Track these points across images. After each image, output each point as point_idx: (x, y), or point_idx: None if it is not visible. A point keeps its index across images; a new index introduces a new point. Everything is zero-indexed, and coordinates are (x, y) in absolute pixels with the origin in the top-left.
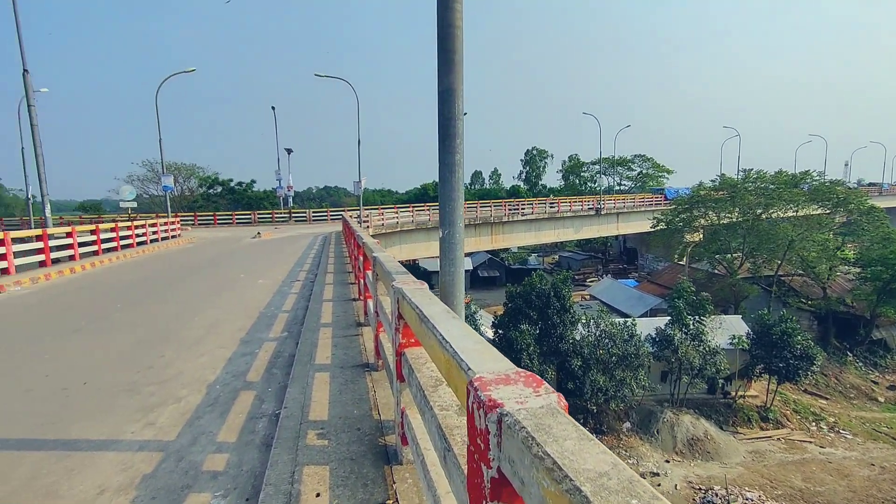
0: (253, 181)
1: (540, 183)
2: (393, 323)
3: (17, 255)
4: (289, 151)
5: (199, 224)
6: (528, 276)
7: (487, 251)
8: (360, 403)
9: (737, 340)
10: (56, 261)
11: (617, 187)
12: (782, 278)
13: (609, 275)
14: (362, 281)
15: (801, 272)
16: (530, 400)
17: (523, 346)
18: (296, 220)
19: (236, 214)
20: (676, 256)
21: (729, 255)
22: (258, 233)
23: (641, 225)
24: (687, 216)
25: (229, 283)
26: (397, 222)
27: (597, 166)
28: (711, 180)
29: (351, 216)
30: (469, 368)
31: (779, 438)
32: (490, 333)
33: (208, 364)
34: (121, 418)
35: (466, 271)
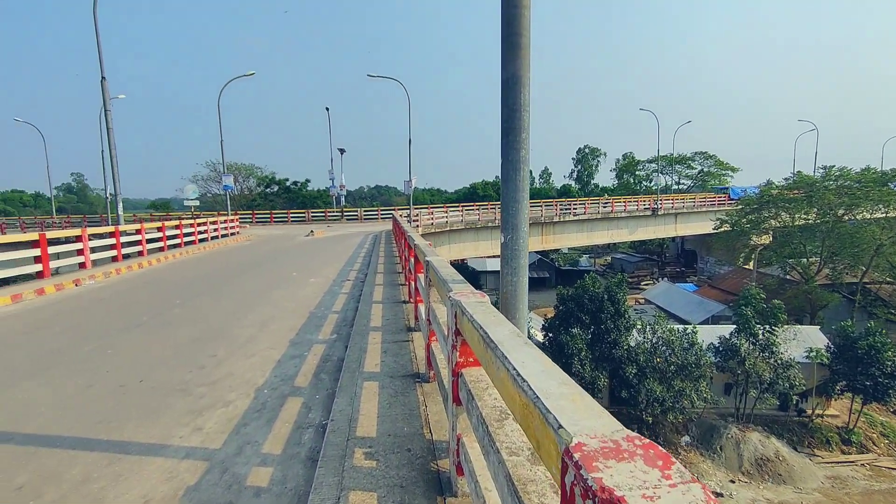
0: (307, 180)
1: (592, 182)
2: (449, 339)
3: (93, 250)
4: (341, 151)
5: (257, 222)
6: (580, 279)
7: (537, 252)
8: (411, 419)
9: (814, 354)
10: (126, 256)
11: (675, 186)
12: (868, 286)
13: (665, 278)
14: (413, 284)
15: (890, 280)
16: (663, 494)
17: (574, 350)
18: (347, 219)
19: (291, 213)
20: (741, 260)
21: (804, 260)
22: (311, 231)
23: (702, 226)
24: (755, 217)
25: (282, 280)
26: (446, 221)
27: (653, 164)
28: (785, 178)
29: (401, 215)
30: (561, 426)
31: (863, 464)
32: (540, 336)
33: (258, 366)
34: (171, 420)
35: None
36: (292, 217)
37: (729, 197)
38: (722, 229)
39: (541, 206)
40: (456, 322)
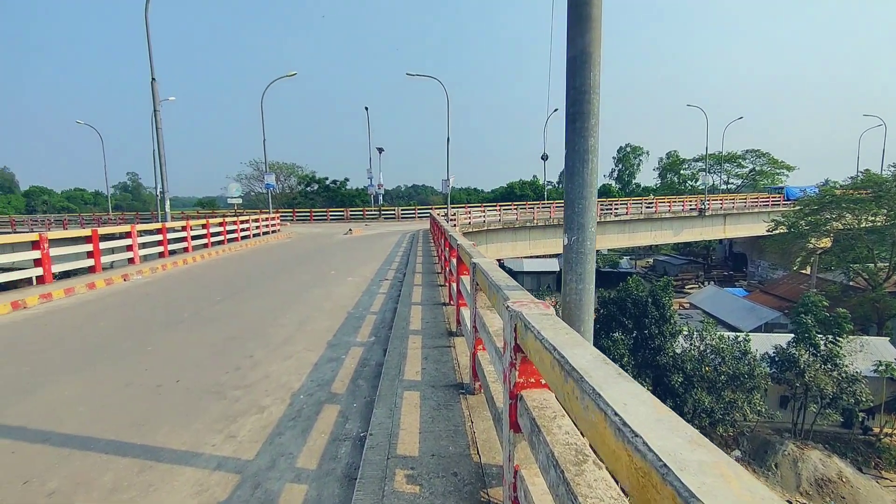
0: (346, 179)
1: (633, 181)
2: (507, 355)
3: (142, 246)
4: (380, 150)
5: (297, 220)
6: (621, 281)
7: None
8: (456, 437)
9: (883, 367)
10: (172, 252)
11: (723, 186)
12: None
13: (712, 282)
14: (454, 285)
15: None
16: None
17: (616, 356)
18: (385, 218)
19: (330, 211)
20: (798, 264)
21: (871, 266)
22: (349, 229)
23: (753, 228)
24: (815, 218)
25: (320, 279)
26: (484, 221)
27: (699, 163)
28: (851, 177)
29: (439, 214)
30: None
31: None
32: None
33: (294, 368)
34: (204, 426)
35: (551, 273)
36: (331, 215)
37: (784, 197)
38: (777, 231)
39: None
40: (516, 336)
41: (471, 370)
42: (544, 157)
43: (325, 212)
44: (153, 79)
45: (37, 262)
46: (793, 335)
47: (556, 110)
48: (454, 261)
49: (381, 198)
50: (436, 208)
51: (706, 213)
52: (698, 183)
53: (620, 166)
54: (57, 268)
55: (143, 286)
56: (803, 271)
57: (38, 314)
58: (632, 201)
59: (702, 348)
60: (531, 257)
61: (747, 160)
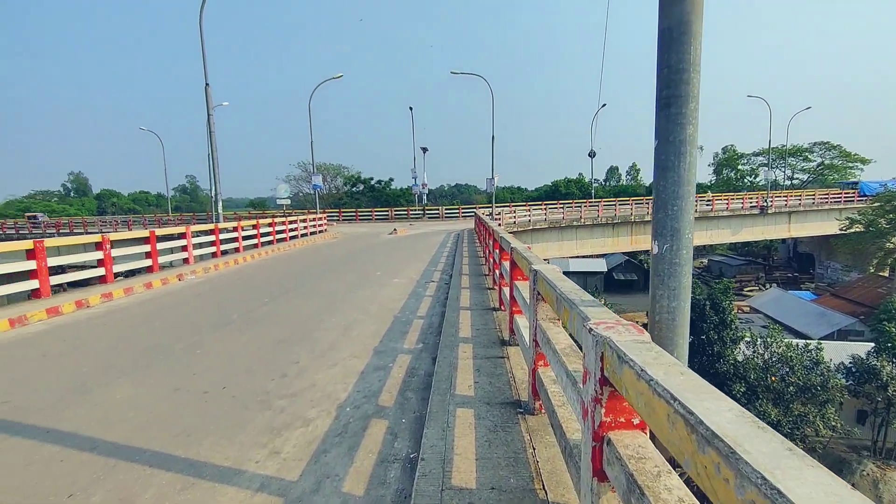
0: (391, 179)
1: None
2: (590, 388)
3: (195, 247)
4: (424, 150)
5: (343, 220)
6: None
7: (624, 253)
8: (517, 467)
9: None
10: (224, 252)
11: (787, 182)
12: None
13: (775, 284)
14: (505, 290)
15: None
16: None
17: None
18: (429, 217)
19: (375, 211)
20: (875, 266)
21: None
22: (394, 229)
23: (823, 226)
24: None
25: (365, 280)
26: (529, 220)
27: (760, 157)
28: None
29: (485, 213)
30: None
31: None
32: None
33: (340, 377)
34: (248, 439)
35: (598, 273)
36: (376, 215)
37: (859, 193)
38: (851, 230)
39: (630, 203)
40: (602, 367)
41: (529, 387)
42: (592, 155)
43: (371, 212)
44: (207, 84)
45: (100, 263)
46: (873, 344)
47: (604, 105)
48: (506, 264)
49: (424, 197)
50: (480, 207)
51: (768, 211)
52: (758, 179)
53: None
54: (118, 267)
55: (196, 286)
56: (881, 273)
57: (98, 313)
58: None
59: (767, 356)
60: (578, 257)
61: (815, 153)
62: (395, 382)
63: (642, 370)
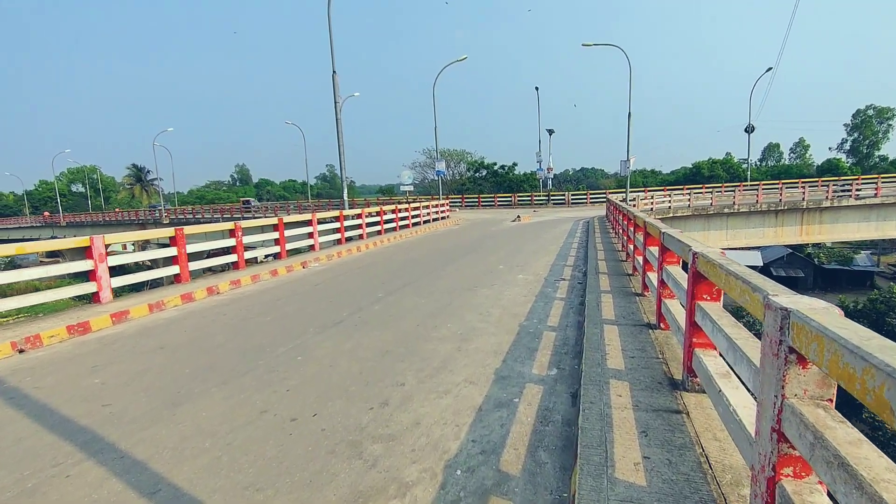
0: (514, 164)
1: (876, 154)
2: None
3: (321, 234)
4: (550, 132)
5: (466, 205)
6: (861, 284)
7: (787, 245)
8: None
9: None
10: (349, 239)
11: None
12: None
13: None
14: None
15: None
16: None
17: None
18: (554, 203)
19: (498, 197)
20: None
21: None
22: (518, 216)
23: None
24: None
25: (487, 275)
26: (669, 206)
27: None
28: None
29: (620, 199)
30: None
31: None
32: None
33: (451, 414)
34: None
35: (754, 267)
36: (499, 201)
37: None
38: None
39: (800, 185)
40: None
41: (757, 496)
42: (749, 130)
43: (493, 197)
44: (334, 72)
45: (232, 250)
46: None
47: (769, 69)
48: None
49: (549, 182)
50: (610, 192)
51: None
52: None
53: (856, 135)
54: (250, 254)
55: (317, 275)
56: None
57: (224, 301)
58: (882, 179)
59: None
60: (728, 249)
61: None
62: (524, 431)
63: None
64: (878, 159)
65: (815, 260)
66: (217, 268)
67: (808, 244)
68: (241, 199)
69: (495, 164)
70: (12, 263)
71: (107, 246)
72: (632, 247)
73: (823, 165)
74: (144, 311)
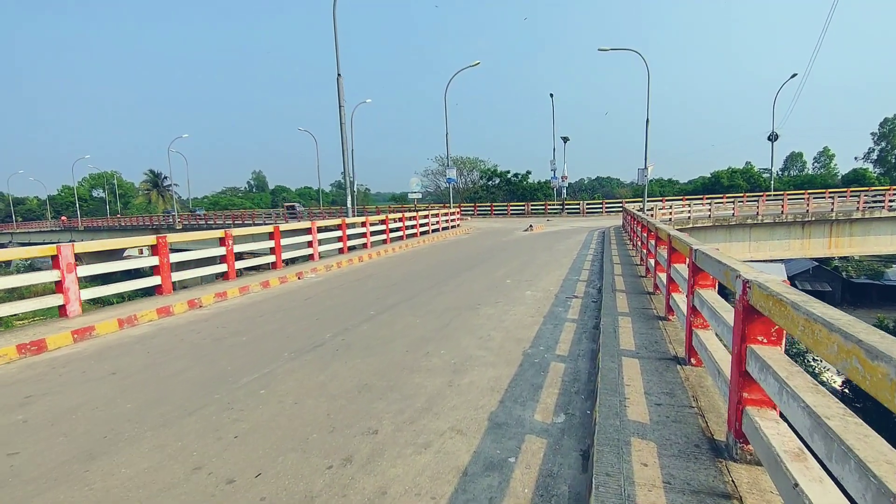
0: (528, 172)
1: None
2: None
3: (321, 242)
4: (565, 140)
5: (478, 214)
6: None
7: (814, 259)
8: None
9: None
10: (352, 248)
11: None
12: None
13: None
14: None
15: None
16: None
17: None
18: (568, 212)
19: (511, 206)
20: None
21: None
22: (530, 225)
23: None
24: None
25: (492, 291)
26: (689, 217)
27: None
28: None
29: (637, 209)
30: None
31: None
32: (838, 382)
33: (427, 479)
34: None
35: None
36: (512, 210)
37: None
38: None
39: (827, 196)
40: None
41: None
42: (773, 138)
43: (506, 206)
44: (339, 75)
45: (222, 259)
46: None
47: (793, 76)
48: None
49: (564, 191)
50: (627, 202)
51: None
52: None
53: (884, 144)
54: (241, 264)
55: (310, 287)
56: None
57: (203, 316)
58: None
59: None
60: (751, 261)
61: None
62: None
63: None
64: None
65: (843, 273)
66: (209, 277)
67: (834, 257)
68: (286, 203)
69: (508, 172)
70: (32, 266)
71: (117, 251)
72: (652, 261)
73: (849, 175)
74: (113, 326)
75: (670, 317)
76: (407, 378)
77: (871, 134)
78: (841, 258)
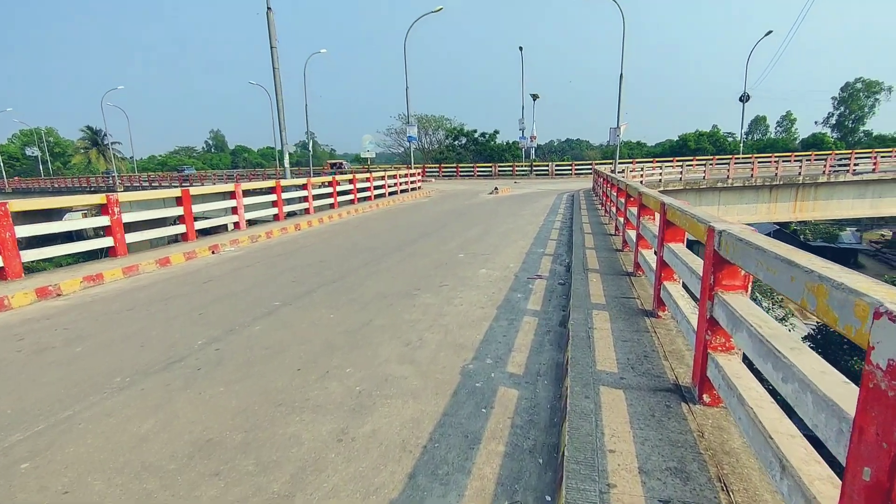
0: (496, 132)
1: (861, 129)
2: None
3: (249, 208)
4: (534, 98)
5: (443, 175)
6: (845, 262)
7: (774, 223)
8: None
9: None
10: (291, 214)
11: None
12: None
13: None
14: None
15: None
16: None
17: None
18: (537, 174)
19: (478, 167)
20: None
21: None
22: (496, 188)
23: None
24: None
25: (439, 269)
26: (660, 180)
27: None
28: None
29: (611, 171)
30: None
31: None
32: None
33: None
34: None
35: None
36: (479, 171)
37: None
38: None
39: (793, 160)
40: None
41: None
42: (744, 99)
43: (472, 167)
44: (269, 8)
45: (107, 231)
46: None
47: (769, 33)
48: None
49: (533, 152)
50: (596, 163)
51: None
52: None
53: (842, 109)
54: (136, 236)
55: (219, 265)
56: None
57: (59, 309)
58: (880, 154)
59: None
60: None
61: None
62: None
63: None
64: (862, 134)
65: (801, 237)
66: (93, 255)
67: (794, 221)
68: (329, 161)
69: (475, 131)
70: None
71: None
72: (631, 233)
73: (808, 140)
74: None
75: (660, 312)
76: (279, 424)
77: (832, 98)
78: (799, 222)
